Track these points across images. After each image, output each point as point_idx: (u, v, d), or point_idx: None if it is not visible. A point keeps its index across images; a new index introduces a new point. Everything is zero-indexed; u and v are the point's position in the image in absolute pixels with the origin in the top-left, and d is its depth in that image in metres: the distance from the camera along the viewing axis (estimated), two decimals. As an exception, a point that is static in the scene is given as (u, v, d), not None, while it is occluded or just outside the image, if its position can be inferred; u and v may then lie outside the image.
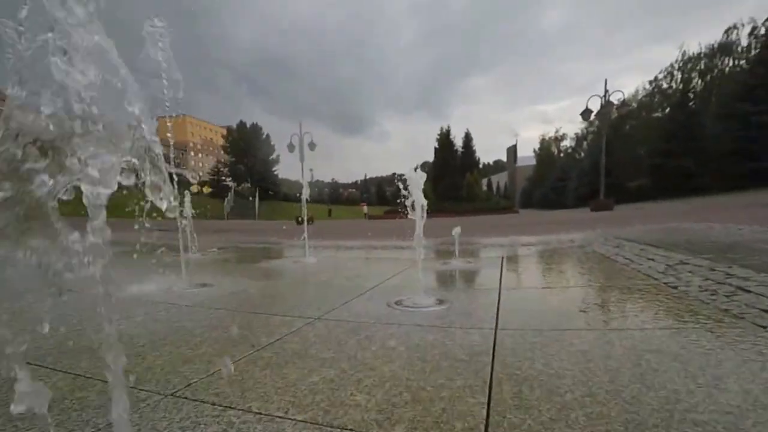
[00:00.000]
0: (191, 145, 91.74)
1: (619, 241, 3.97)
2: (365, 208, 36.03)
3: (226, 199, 31.35)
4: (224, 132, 66.94)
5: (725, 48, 33.52)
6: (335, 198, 58.67)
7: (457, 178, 32.07)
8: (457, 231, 4.31)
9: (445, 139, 32.85)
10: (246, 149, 59.15)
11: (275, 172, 45.82)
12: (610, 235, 4.93)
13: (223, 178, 42.37)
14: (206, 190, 35.14)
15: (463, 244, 5.04)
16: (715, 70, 33.88)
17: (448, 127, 32.67)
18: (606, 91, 18.30)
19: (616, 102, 21.68)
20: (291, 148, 19.44)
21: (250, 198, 35.30)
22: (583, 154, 43.73)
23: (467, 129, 34.59)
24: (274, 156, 53.94)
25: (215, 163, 42.90)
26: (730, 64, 33.17)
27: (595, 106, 19.38)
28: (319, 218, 33.84)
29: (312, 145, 19.60)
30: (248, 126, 64.68)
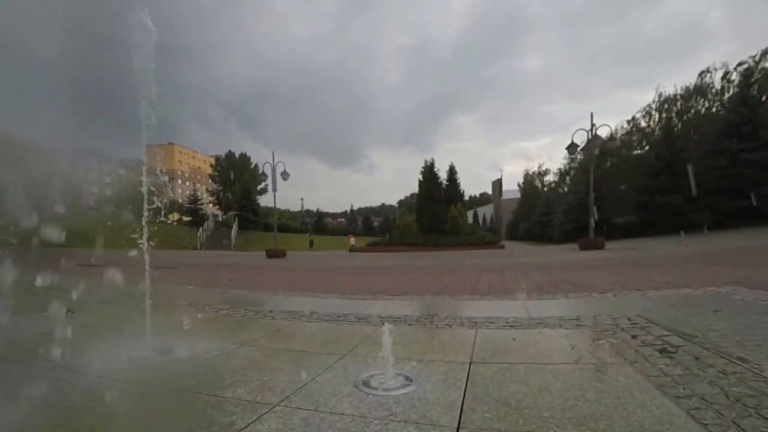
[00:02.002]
0: (179, 173, 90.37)
1: (665, 336, 2.76)
2: (352, 240, 34.80)
3: (201, 228, 29.88)
4: (212, 161, 65.98)
5: (700, 90, 34.51)
6: (320, 228, 57.26)
7: (441, 211, 31.08)
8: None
9: (429, 171, 32.05)
10: (234, 178, 58.02)
11: (259, 202, 44.63)
12: (635, 306, 3.76)
13: (201, 206, 40.93)
14: (183, 218, 33.66)
15: (411, 319, 3.82)
16: (692, 111, 34.66)
17: (432, 159, 31.89)
18: (593, 124, 17.67)
19: (603, 136, 21.12)
20: (264, 177, 18.40)
21: (232, 227, 33.87)
22: (566, 189, 43.54)
23: (451, 162, 33.79)
24: (262, 185, 52.97)
25: (193, 191, 41.52)
26: (706, 105, 34.08)
27: (581, 140, 18.74)
28: (298, 249, 32.44)
29: (285, 175, 18.48)
30: (237, 156, 63.87)
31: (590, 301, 3.92)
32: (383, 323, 3.47)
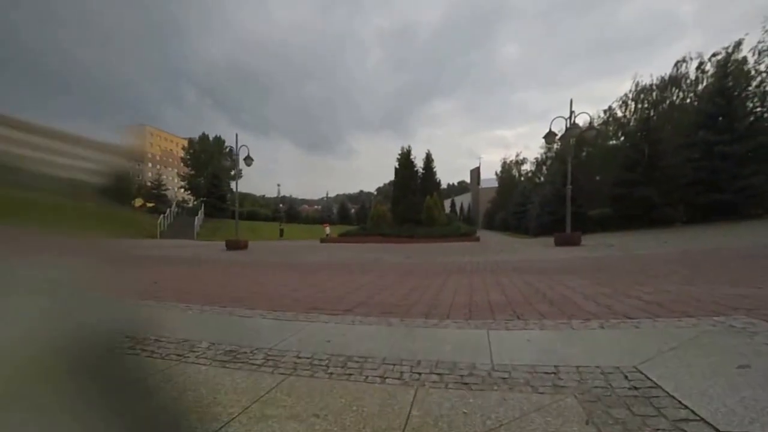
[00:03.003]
0: (149, 155, 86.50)
1: (682, 423, 1.87)
2: (327, 229, 33.69)
3: (162, 216, 28.21)
4: (185, 144, 62.84)
5: (675, 81, 34.53)
6: (294, 216, 55.72)
7: (417, 200, 30.27)
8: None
9: (405, 159, 31.11)
10: (206, 162, 55.42)
11: (232, 188, 42.85)
12: (629, 348, 2.95)
13: (165, 191, 38.88)
14: (147, 204, 31.87)
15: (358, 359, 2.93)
16: (667, 101, 34.70)
17: (409, 147, 30.90)
18: (571, 112, 17.01)
19: (581, 125, 20.52)
20: (226, 160, 17.20)
21: (197, 215, 32.22)
22: (543, 179, 43.30)
23: (428, 150, 32.84)
24: (235, 171, 50.99)
25: (157, 175, 39.46)
26: (680, 96, 34.12)
27: (559, 129, 18.11)
28: (267, 239, 31.17)
29: (248, 160, 17.26)
30: (211, 139, 61.06)
31: (571, 335, 3.08)
32: (295, 369, 2.56)
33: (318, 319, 3.85)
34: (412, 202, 30.20)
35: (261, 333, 3.38)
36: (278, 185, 76.21)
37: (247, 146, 17.32)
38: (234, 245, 17.18)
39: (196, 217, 29.87)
